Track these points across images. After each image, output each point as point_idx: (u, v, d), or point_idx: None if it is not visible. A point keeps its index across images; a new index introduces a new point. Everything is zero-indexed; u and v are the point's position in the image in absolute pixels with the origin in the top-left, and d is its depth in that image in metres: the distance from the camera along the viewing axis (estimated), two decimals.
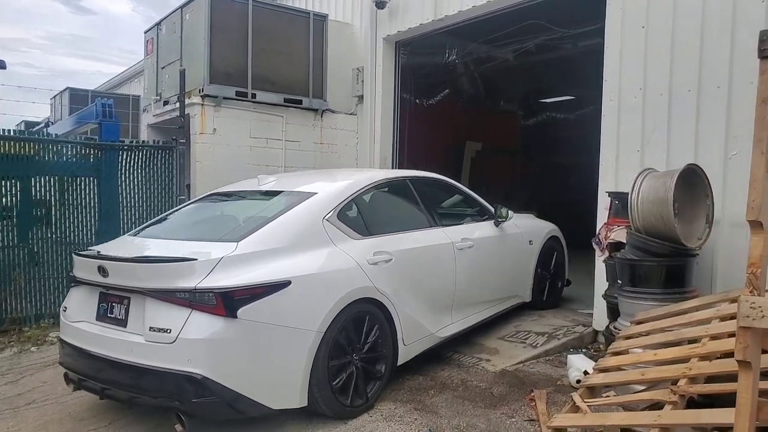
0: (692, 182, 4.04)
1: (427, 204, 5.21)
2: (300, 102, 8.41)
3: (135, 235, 4.64)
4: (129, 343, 3.55)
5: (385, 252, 4.34)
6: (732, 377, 2.90)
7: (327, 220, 4.15)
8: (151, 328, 3.46)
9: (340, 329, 3.87)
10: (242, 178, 6.87)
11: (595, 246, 5.15)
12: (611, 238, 4.68)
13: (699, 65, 4.98)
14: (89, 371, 3.79)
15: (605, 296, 4.99)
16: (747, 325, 2.09)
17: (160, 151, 7.70)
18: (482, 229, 5.60)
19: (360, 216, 4.49)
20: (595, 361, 4.90)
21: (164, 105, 8.43)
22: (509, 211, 5.79)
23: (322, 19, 8.61)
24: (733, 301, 3.45)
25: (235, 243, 3.68)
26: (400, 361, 4.44)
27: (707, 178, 4.17)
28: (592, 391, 3.48)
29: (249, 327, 3.44)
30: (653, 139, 5.30)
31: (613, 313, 4.89)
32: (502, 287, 5.84)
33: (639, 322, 3.93)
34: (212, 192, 5.37)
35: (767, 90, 2.20)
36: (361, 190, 4.64)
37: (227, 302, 3.37)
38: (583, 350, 5.56)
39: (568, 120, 15.25)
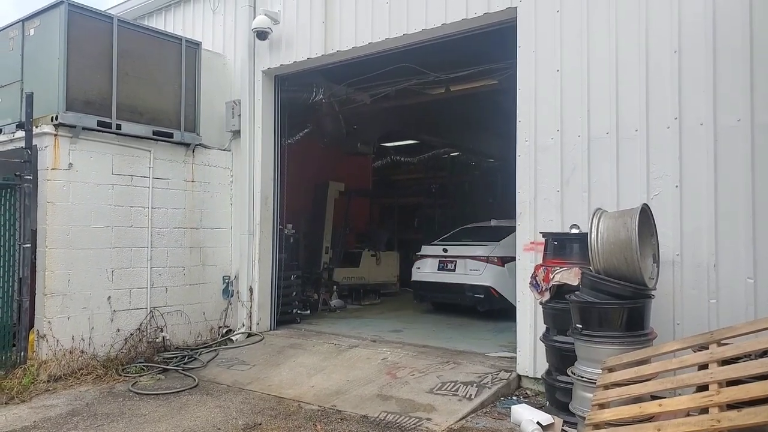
0: (641, 221, 4.06)
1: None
2: (170, 135, 7.44)
3: (443, 240, 10.48)
4: (460, 276, 9.47)
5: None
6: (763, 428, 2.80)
7: None
8: (470, 270, 9.37)
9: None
10: (103, 221, 6.82)
11: (531, 289, 5.01)
12: (556, 279, 4.56)
13: (616, 110, 5.18)
14: (437, 291, 9.94)
15: (546, 340, 4.84)
16: None
17: None
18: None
19: None
20: (537, 408, 4.75)
21: None
22: None
23: (195, 46, 7.79)
24: (721, 343, 3.44)
25: (498, 242, 9.39)
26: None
27: (653, 217, 4.23)
28: None
29: (506, 271, 8.78)
30: (573, 179, 5.39)
31: (555, 357, 4.76)
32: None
33: (610, 369, 3.78)
34: (468, 226, 11.04)
35: None
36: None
37: (502, 261, 9.05)
38: (514, 397, 5.38)
39: (411, 163, 16.14)
